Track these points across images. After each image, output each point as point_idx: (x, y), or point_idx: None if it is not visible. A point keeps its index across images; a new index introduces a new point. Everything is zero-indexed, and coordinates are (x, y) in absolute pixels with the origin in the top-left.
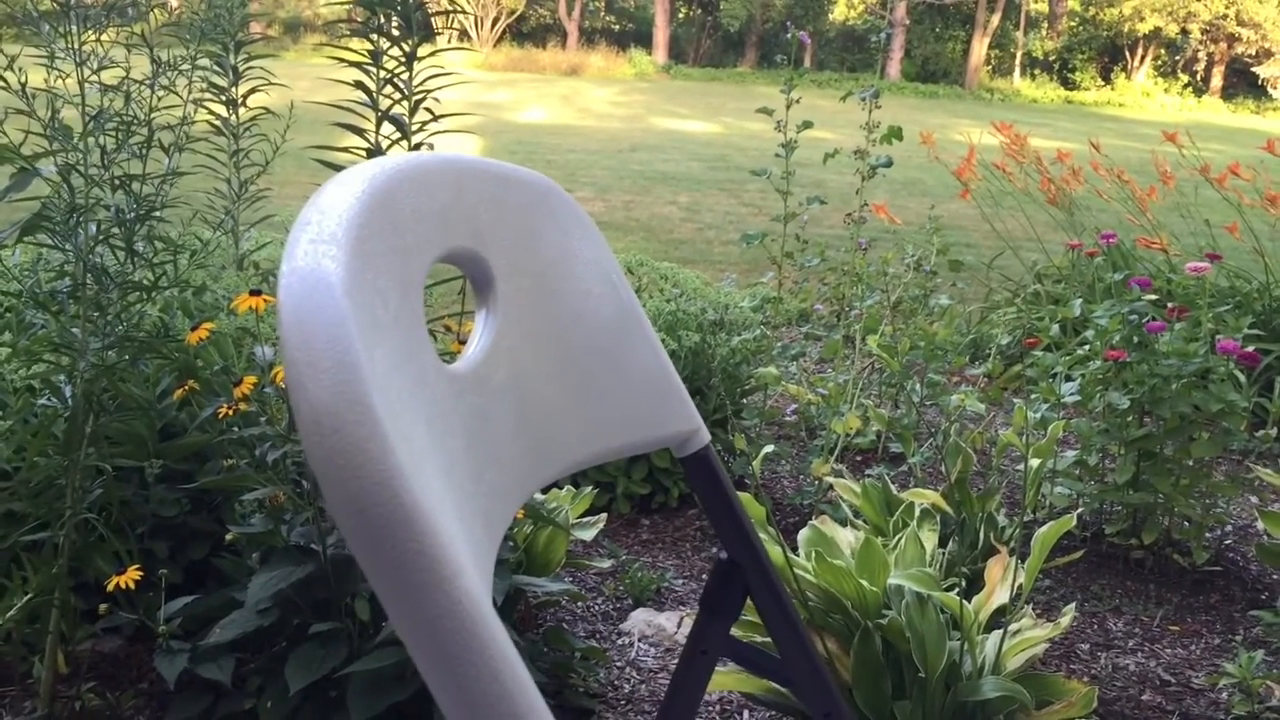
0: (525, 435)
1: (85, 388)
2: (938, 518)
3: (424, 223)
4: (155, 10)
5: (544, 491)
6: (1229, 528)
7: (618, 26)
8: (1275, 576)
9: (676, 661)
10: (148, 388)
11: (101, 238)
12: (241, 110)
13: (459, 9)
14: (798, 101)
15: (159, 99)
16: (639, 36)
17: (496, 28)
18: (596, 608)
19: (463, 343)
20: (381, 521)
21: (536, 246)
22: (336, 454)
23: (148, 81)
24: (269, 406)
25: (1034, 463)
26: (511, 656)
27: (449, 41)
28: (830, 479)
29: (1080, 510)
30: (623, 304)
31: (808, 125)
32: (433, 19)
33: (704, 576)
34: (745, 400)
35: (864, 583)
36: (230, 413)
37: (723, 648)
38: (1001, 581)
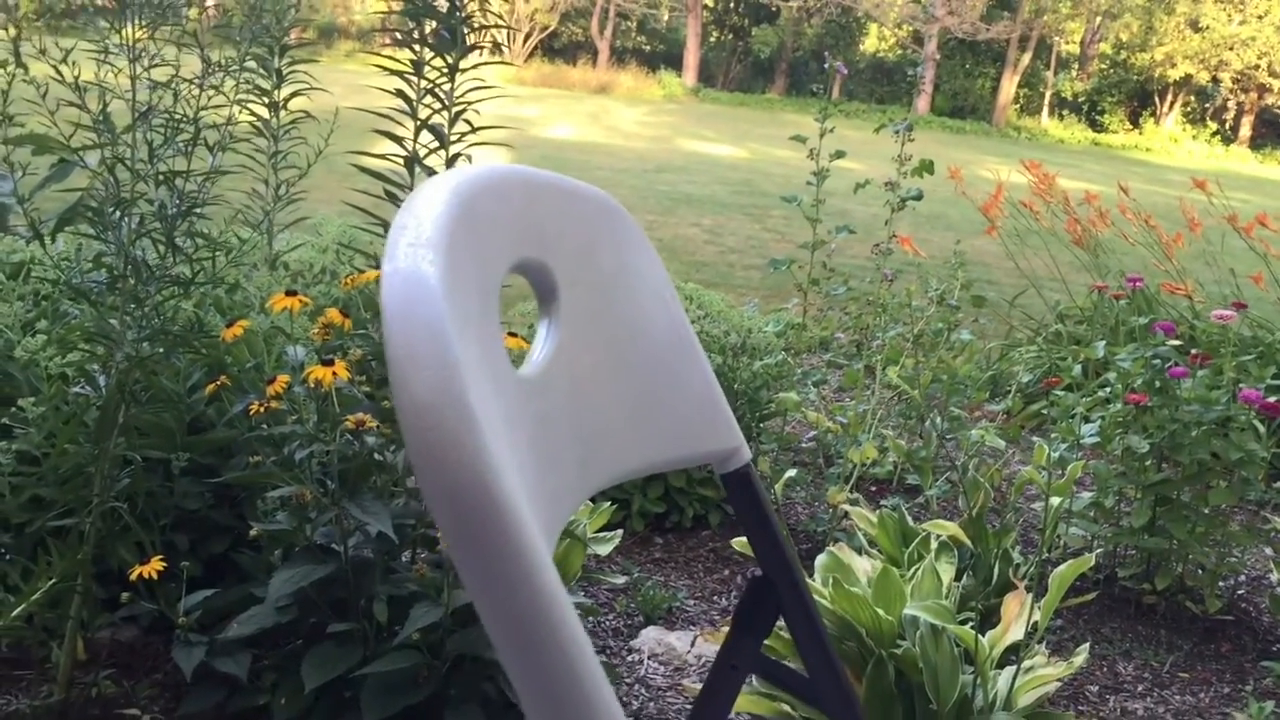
0: (580, 443)
1: (119, 378)
2: (955, 551)
3: (500, 231)
4: (209, 10)
5: None
6: (1243, 577)
7: (648, 47)
8: None
9: (685, 680)
10: (179, 381)
11: (143, 231)
12: (282, 113)
13: (501, 24)
14: (831, 130)
15: (208, 98)
16: (669, 58)
17: (529, 43)
18: (608, 624)
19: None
20: (475, 514)
21: (597, 259)
22: (435, 447)
23: (197, 80)
24: (298, 406)
25: (1054, 501)
26: (585, 646)
27: (481, 56)
28: (846, 507)
29: (1097, 552)
30: (675, 320)
31: (840, 154)
32: (472, 33)
33: (715, 598)
34: (764, 425)
35: (880, 612)
36: (261, 410)
37: (753, 664)
38: (1017, 618)
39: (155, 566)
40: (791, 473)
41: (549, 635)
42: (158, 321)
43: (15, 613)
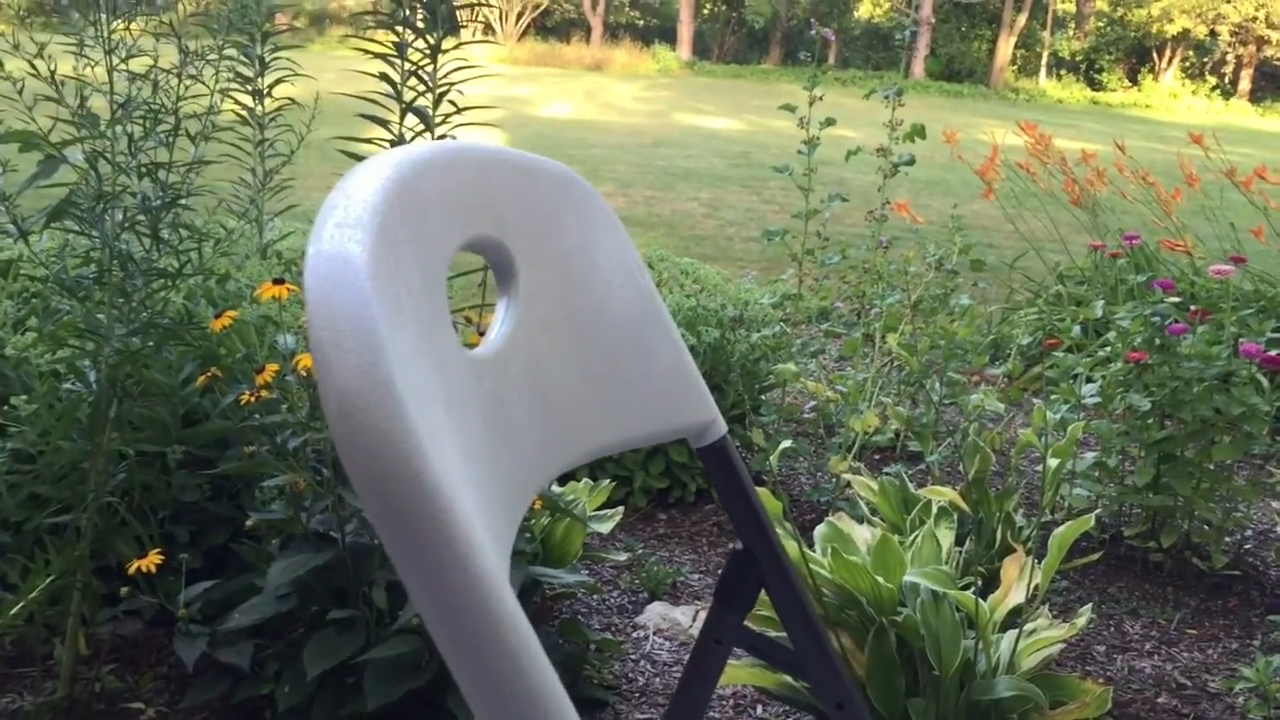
0: (543, 423)
1: (109, 373)
2: (955, 516)
3: (448, 209)
4: (183, 0)
5: (561, 483)
6: (1249, 532)
7: (642, 22)
8: None
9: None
10: (171, 374)
11: (128, 224)
12: (267, 101)
13: (484, 2)
14: (821, 98)
15: (186, 88)
16: (663, 32)
17: (521, 22)
18: (612, 601)
19: (483, 334)
20: (402, 500)
21: (558, 236)
22: (359, 433)
23: (175, 70)
24: (290, 394)
25: (1052, 462)
26: (527, 635)
27: (473, 35)
28: (848, 476)
29: (1098, 512)
30: (643, 295)
31: (830, 122)
32: (457, 12)
33: (720, 571)
34: (763, 397)
35: (880, 579)
36: (252, 399)
37: (737, 638)
38: (1018, 581)
39: (153, 560)
40: (787, 443)
41: (486, 623)
42: (146, 315)
43: (15, 610)
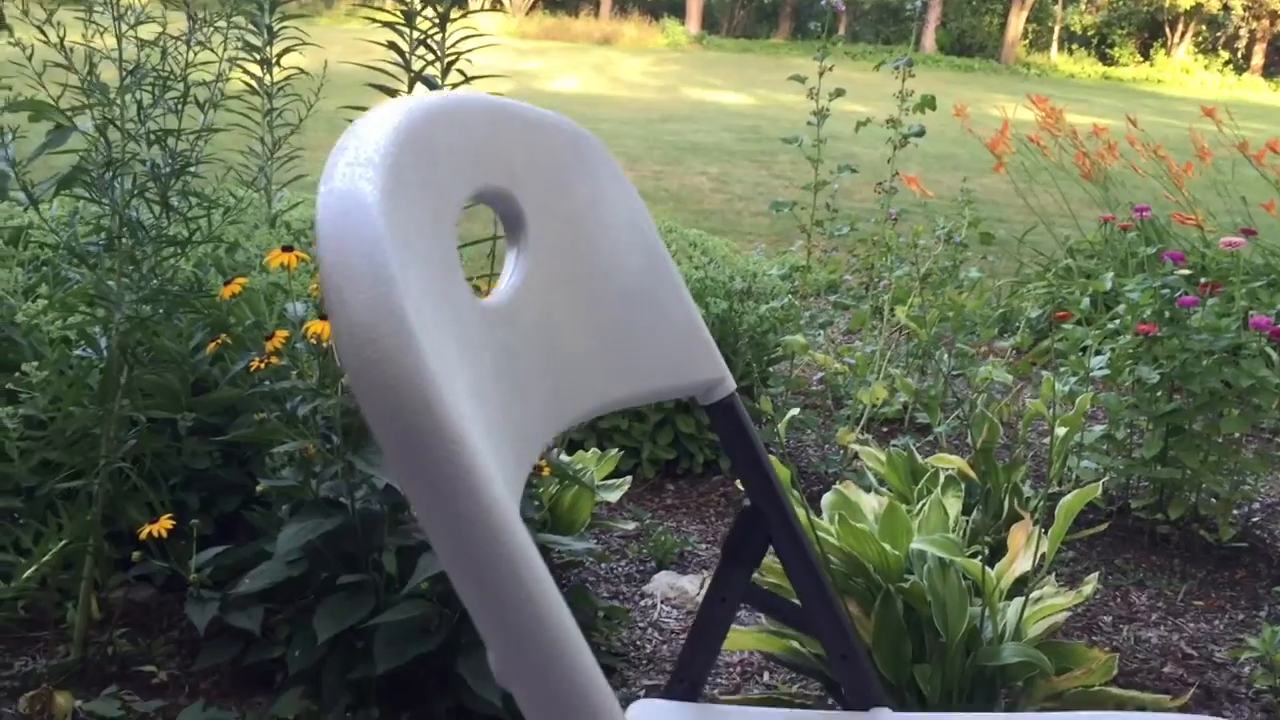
0: (551, 375)
1: (120, 339)
2: (962, 486)
3: (458, 158)
4: None
5: (569, 452)
6: (1256, 505)
7: None
8: None
9: None
10: (181, 342)
11: (137, 192)
12: (276, 70)
13: None
14: (830, 69)
15: (195, 55)
16: (672, 6)
17: None
18: (620, 569)
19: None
20: (415, 430)
21: (568, 190)
22: (371, 364)
23: (184, 37)
24: (300, 362)
25: (1060, 431)
26: (538, 566)
27: (482, 6)
28: (856, 447)
29: (1105, 480)
30: (652, 251)
31: (840, 93)
32: None
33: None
34: (771, 369)
35: (887, 547)
36: (262, 366)
37: (743, 594)
38: (1024, 549)
39: (165, 525)
40: (795, 412)
41: (497, 553)
42: (156, 282)
43: (27, 574)
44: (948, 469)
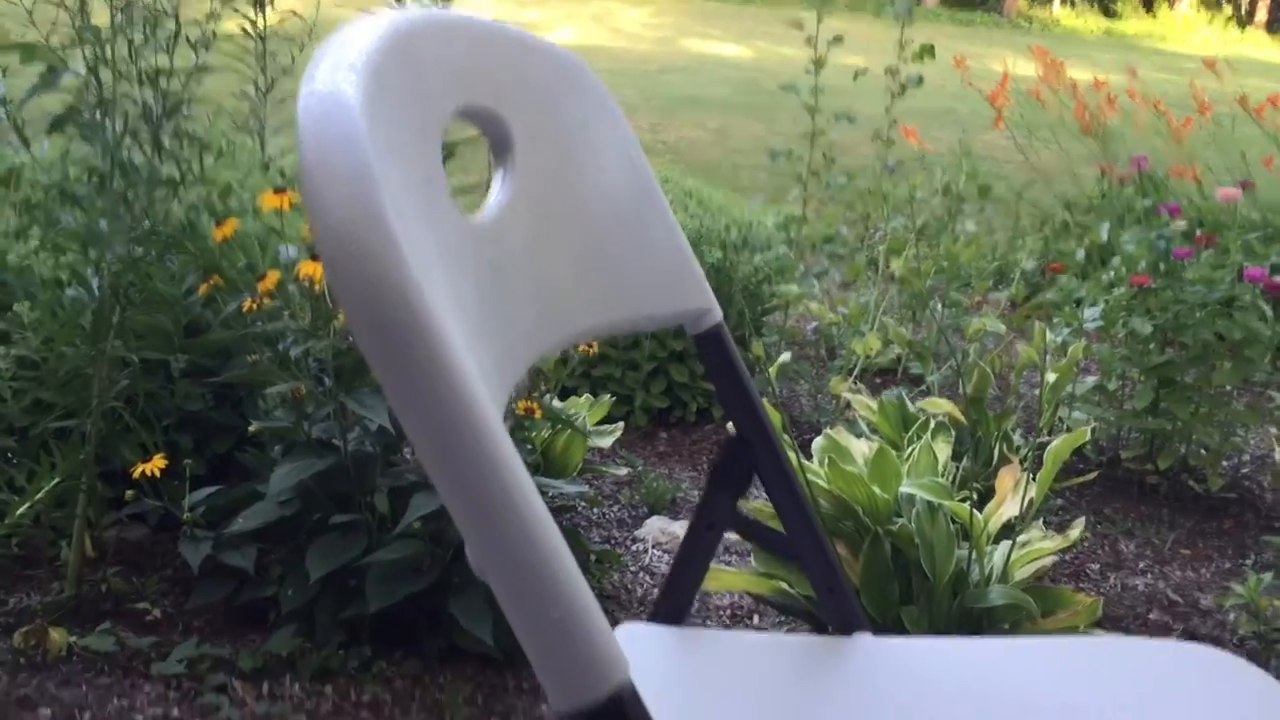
0: (537, 298)
1: (112, 280)
2: (953, 432)
3: (444, 72)
4: None
5: (562, 398)
6: (1247, 456)
7: None
8: None
9: None
10: (173, 284)
11: (129, 133)
12: (269, 12)
13: None
14: (830, 14)
15: None
16: None
17: None
18: (612, 515)
19: None
20: (394, 326)
21: (557, 115)
22: (351, 260)
23: None
24: (292, 304)
25: (1050, 377)
26: (512, 457)
27: None
28: (848, 396)
29: (1094, 426)
30: (640, 177)
31: (839, 40)
32: None
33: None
34: (765, 319)
35: (876, 490)
36: (254, 308)
37: (729, 522)
38: (1012, 493)
39: (158, 464)
40: (786, 356)
41: (476, 452)
42: (148, 223)
43: (20, 511)
44: (938, 414)
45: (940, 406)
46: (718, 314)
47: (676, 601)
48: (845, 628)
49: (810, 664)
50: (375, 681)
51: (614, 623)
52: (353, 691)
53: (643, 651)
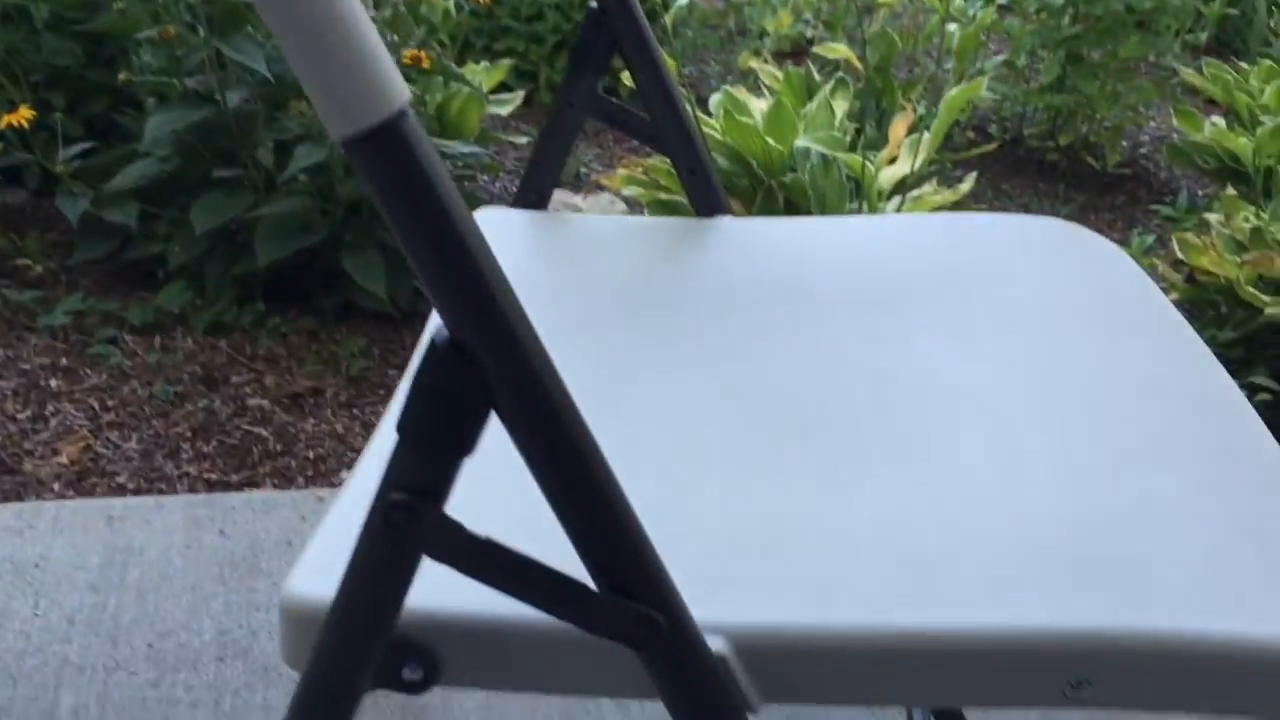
0: None
1: None
2: (851, 87)
3: None
4: None
5: (459, 63)
6: (1145, 136)
7: None
8: (1182, 180)
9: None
10: None
11: None
12: None
13: None
14: None
15: None
16: None
17: None
18: (511, 187)
19: None
20: None
21: None
22: None
23: None
24: None
25: (952, 29)
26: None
27: None
28: (755, 66)
29: (999, 99)
30: None
31: None
32: None
33: (624, 166)
34: None
35: (771, 142)
36: None
37: (590, 103)
38: (906, 148)
39: (24, 114)
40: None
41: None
42: None
43: None
44: (837, 60)
45: (838, 52)
46: None
47: (537, 186)
48: (708, 210)
49: (671, 245)
50: (270, 336)
51: None
52: (247, 346)
53: (502, 235)
